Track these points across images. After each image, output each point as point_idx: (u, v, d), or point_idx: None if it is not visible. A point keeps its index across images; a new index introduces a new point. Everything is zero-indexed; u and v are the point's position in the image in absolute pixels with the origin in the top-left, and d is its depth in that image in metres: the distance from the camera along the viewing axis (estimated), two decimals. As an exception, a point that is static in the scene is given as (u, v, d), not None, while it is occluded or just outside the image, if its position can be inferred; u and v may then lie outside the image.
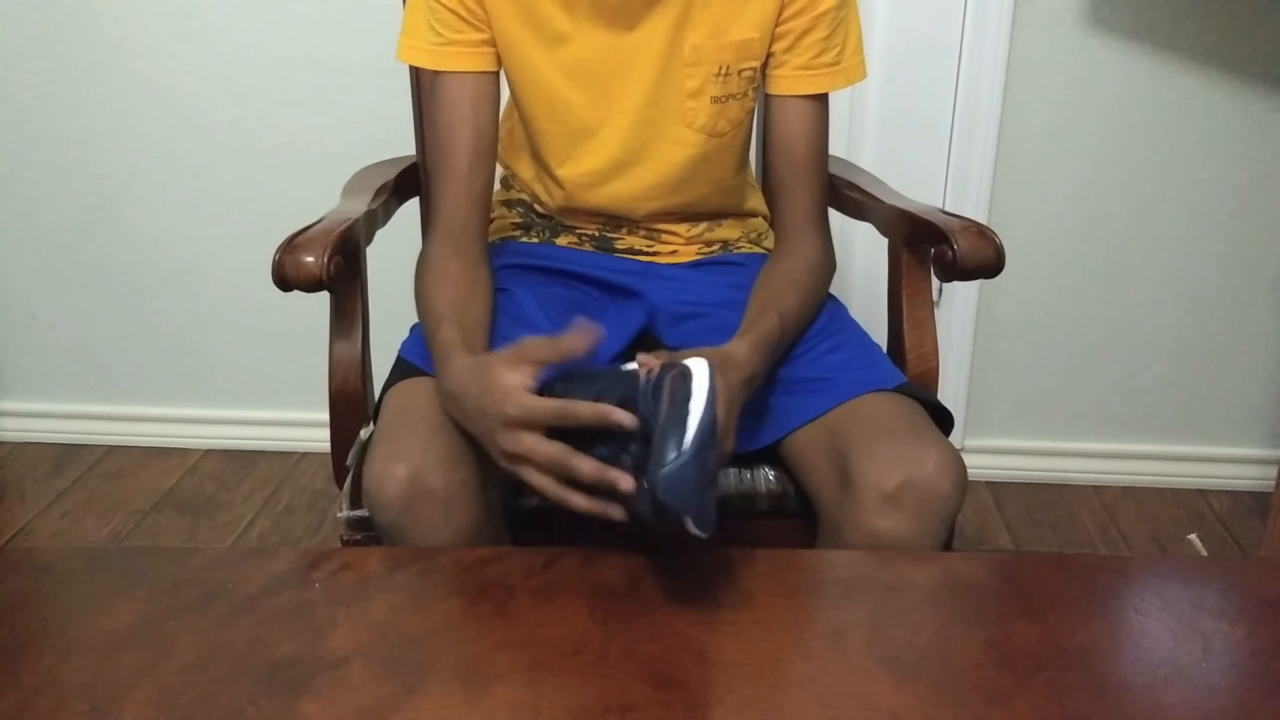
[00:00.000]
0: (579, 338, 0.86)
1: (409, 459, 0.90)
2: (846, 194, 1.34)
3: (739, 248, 1.26)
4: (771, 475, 1.08)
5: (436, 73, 1.11)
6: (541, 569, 0.83)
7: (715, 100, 1.12)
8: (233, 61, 1.87)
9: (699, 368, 0.81)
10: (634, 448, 0.82)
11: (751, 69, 1.12)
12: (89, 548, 1.71)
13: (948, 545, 1.03)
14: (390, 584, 0.82)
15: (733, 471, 1.08)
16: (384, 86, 1.60)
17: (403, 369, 1.06)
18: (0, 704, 0.69)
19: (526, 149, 1.23)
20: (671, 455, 0.75)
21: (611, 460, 0.82)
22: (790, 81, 1.13)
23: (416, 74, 1.37)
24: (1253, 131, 1.78)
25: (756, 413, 1.05)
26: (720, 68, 1.11)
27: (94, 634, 0.76)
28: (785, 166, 1.15)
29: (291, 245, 1.07)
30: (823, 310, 1.15)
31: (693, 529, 0.76)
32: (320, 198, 1.26)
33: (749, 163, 1.28)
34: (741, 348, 0.97)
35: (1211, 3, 1.72)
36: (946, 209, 1.23)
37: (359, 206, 1.21)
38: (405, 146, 1.43)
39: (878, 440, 0.95)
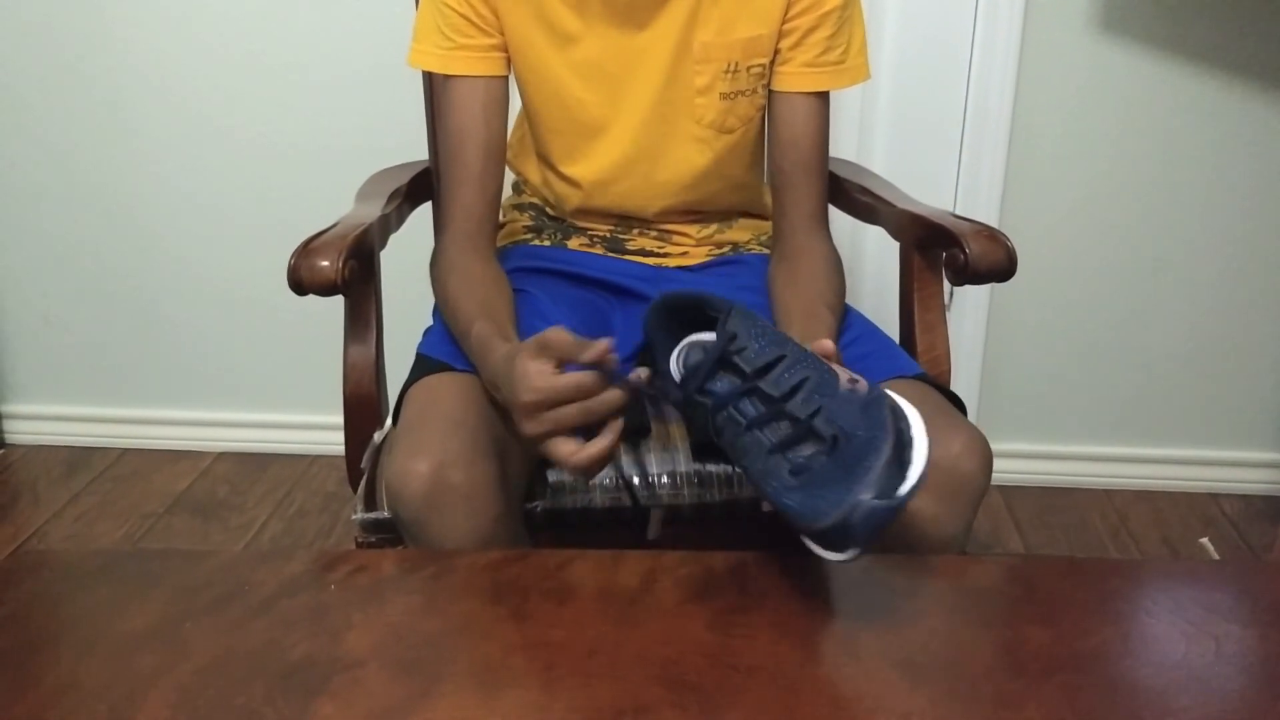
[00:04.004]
0: (605, 351, 0.83)
1: (431, 455, 0.91)
2: (857, 197, 1.34)
3: (748, 248, 1.27)
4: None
5: (446, 77, 1.12)
6: (556, 571, 0.83)
7: (724, 96, 1.14)
8: (246, 67, 1.88)
9: (917, 423, 0.79)
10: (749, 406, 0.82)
11: (760, 65, 1.13)
12: (106, 550, 1.72)
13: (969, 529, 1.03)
14: (405, 586, 0.83)
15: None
16: (397, 92, 1.60)
17: (423, 365, 1.07)
18: (20, 704, 0.69)
19: (534, 154, 1.23)
20: (888, 491, 0.74)
21: (725, 402, 0.82)
22: (795, 78, 1.14)
23: (429, 79, 1.38)
24: (1264, 135, 1.78)
25: None
26: (729, 64, 1.12)
27: (111, 635, 0.77)
28: (789, 163, 1.16)
29: (307, 249, 1.08)
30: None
31: (833, 556, 0.75)
32: (334, 203, 1.27)
33: (761, 163, 1.29)
34: (829, 344, 0.95)
35: (1221, 6, 1.72)
36: (957, 212, 1.23)
37: (373, 211, 1.22)
38: (418, 151, 1.43)
39: None
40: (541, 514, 1.06)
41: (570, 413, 0.84)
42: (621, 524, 1.09)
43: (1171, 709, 0.70)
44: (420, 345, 1.13)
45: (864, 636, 0.77)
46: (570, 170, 1.18)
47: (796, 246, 1.16)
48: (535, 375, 0.84)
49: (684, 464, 1.08)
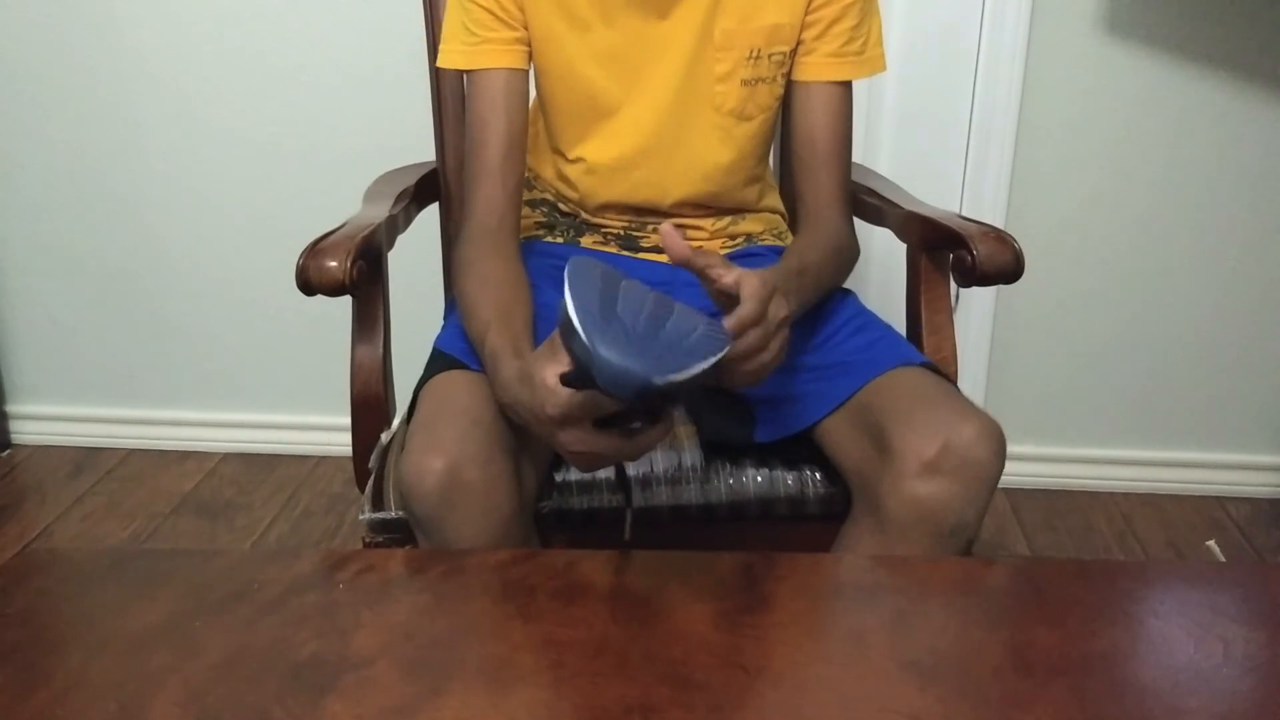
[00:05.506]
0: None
1: (446, 452, 0.91)
2: (864, 199, 1.34)
3: (762, 239, 1.28)
4: (819, 476, 1.09)
5: (471, 72, 1.13)
6: (563, 571, 0.83)
7: (745, 83, 1.15)
8: (253, 68, 1.89)
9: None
10: None
11: (781, 53, 1.14)
12: (114, 549, 1.73)
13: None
14: (413, 585, 0.83)
15: (777, 474, 1.09)
16: (404, 93, 1.61)
17: (439, 361, 1.07)
18: (30, 702, 0.70)
19: (548, 148, 1.24)
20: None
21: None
22: (819, 68, 1.15)
23: (437, 80, 1.38)
24: (1270, 136, 1.78)
25: (788, 402, 1.07)
26: (751, 51, 1.13)
27: (121, 634, 0.77)
28: (810, 153, 1.17)
29: (315, 250, 1.08)
30: (845, 302, 1.17)
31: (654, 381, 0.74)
32: (341, 204, 1.27)
33: (770, 159, 1.30)
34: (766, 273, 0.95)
35: (1228, 8, 1.71)
36: (963, 213, 1.23)
37: (381, 212, 1.22)
38: (425, 152, 1.44)
39: (914, 409, 0.96)
40: (550, 514, 1.06)
41: (606, 449, 0.84)
42: (630, 523, 1.09)
43: (1179, 710, 0.70)
44: (438, 339, 1.13)
45: (871, 637, 0.77)
46: (580, 152, 1.18)
47: (809, 226, 1.17)
48: (552, 391, 0.83)
49: (689, 463, 1.08)
